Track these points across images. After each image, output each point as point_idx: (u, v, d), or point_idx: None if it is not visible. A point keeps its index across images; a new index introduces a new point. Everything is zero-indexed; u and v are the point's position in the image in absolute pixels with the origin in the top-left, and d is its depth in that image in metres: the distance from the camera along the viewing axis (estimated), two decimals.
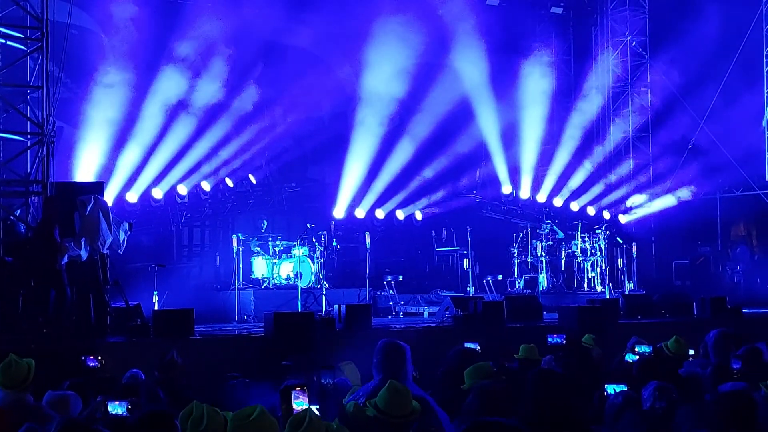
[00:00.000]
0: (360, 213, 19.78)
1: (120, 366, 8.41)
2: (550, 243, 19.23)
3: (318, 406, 4.89)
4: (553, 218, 20.78)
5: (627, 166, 23.59)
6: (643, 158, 23.59)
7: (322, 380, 5.23)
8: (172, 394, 6.91)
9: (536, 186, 22.20)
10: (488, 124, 21.25)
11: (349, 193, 19.61)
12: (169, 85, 17.11)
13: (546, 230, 19.33)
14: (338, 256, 18.44)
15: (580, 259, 19.31)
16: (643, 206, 22.91)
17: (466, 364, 6.95)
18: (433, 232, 20.79)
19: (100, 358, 8.57)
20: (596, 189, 22.94)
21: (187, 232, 19.62)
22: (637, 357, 7.60)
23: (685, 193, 22.50)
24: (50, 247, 10.78)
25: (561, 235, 19.40)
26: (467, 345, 8.51)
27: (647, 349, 7.91)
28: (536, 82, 21.58)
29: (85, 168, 15.15)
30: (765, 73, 21.56)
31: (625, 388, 5.85)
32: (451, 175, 21.15)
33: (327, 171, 21.00)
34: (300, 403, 4.89)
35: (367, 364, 6.21)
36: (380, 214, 20.15)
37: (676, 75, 22.24)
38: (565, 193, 22.35)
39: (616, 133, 23.72)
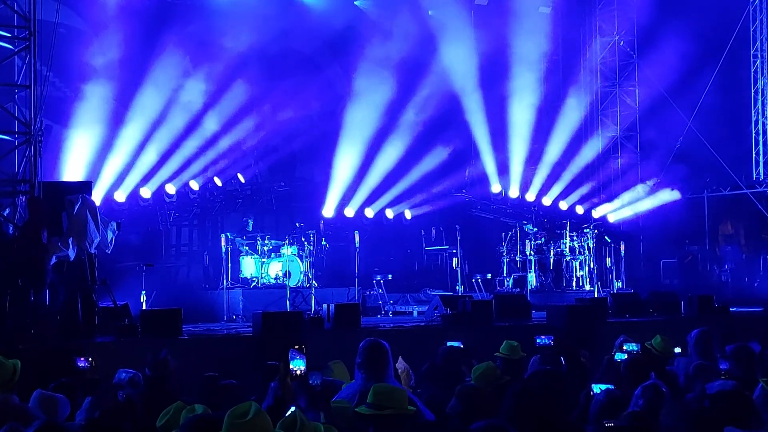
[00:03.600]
0: (349, 212, 19.78)
1: (107, 366, 8.38)
2: (540, 242, 19.27)
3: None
4: (542, 217, 20.86)
5: (615, 165, 23.67)
6: (631, 157, 23.67)
7: (310, 381, 5.25)
8: (163, 394, 6.92)
9: (525, 185, 22.24)
10: (477, 123, 21.29)
11: (339, 192, 19.62)
12: (157, 83, 17.08)
13: (534, 230, 19.38)
14: (327, 255, 18.43)
15: (568, 258, 19.35)
16: (630, 205, 22.97)
17: (452, 362, 6.98)
18: (423, 231, 20.81)
19: (90, 359, 8.54)
20: (585, 188, 23.01)
21: (176, 232, 19.56)
22: (626, 356, 7.61)
23: (672, 194, 22.53)
24: (37, 247, 10.73)
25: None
26: (450, 344, 8.52)
27: (635, 348, 7.92)
28: (524, 82, 21.62)
29: (73, 167, 15.11)
30: (752, 73, 21.66)
31: (612, 388, 5.87)
32: (440, 174, 21.16)
33: (316, 170, 20.99)
34: (297, 362, 5.03)
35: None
36: (369, 213, 20.16)
37: (664, 74, 22.31)
38: (554, 192, 22.41)
39: (604, 133, 23.80)
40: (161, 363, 7.78)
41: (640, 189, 22.67)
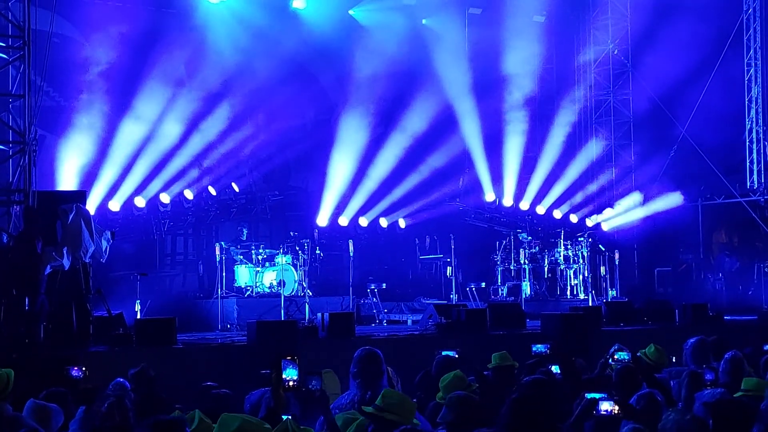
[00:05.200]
0: (343, 221, 19.78)
1: (102, 375, 8.38)
2: (534, 250, 19.28)
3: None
4: (536, 225, 20.89)
5: (609, 174, 23.71)
6: (625, 166, 23.71)
7: (309, 385, 5.22)
8: (149, 403, 6.96)
9: (519, 193, 22.25)
10: (471, 132, 21.31)
11: (333, 201, 19.62)
12: (152, 92, 17.08)
13: (528, 238, 19.41)
14: (321, 264, 18.44)
15: (562, 267, 19.37)
16: (624, 214, 22.99)
17: (447, 372, 6.97)
18: (417, 239, 20.82)
19: (84, 368, 8.53)
20: (579, 196, 23.03)
21: (170, 241, 19.54)
22: (619, 365, 7.62)
23: (675, 198, 22.55)
24: (32, 256, 10.72)
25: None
26: (444, 353, 8.51)
27: (626, 357, 7.93)
28: (519, 90, 21.66)
29: (67, 177, 15.10)
30: (746, 81, 21.71)
31: (605, 396, 5.87)
32: (434, 183, 21.18)
33: (310, 179, 21.00)
34: (290, 372, 5.01)
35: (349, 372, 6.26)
36: (364, 221, 20.16)
37: (658, 83, 22.36)
38: (548, 200, 22.42)
39: (598, 141, 23.83)
40: (140, 373, 7.83)
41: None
